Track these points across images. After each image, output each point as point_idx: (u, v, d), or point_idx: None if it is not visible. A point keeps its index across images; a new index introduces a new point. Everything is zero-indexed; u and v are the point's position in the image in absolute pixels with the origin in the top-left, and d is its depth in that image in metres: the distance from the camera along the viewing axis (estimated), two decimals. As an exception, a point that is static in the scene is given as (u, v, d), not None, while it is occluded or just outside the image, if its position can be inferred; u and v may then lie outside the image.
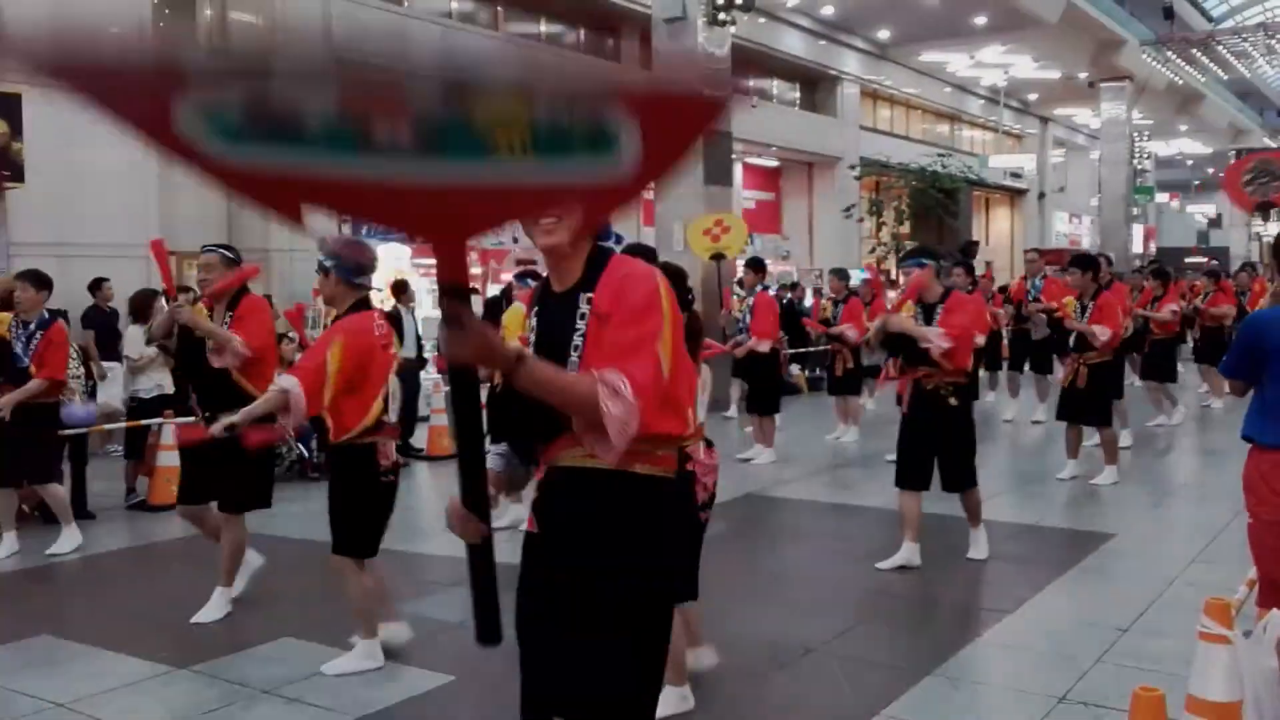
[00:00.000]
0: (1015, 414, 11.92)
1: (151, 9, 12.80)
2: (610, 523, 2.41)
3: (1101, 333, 8.06)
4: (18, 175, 10.85)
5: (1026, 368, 12.36)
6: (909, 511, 6.16)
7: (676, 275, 4.28)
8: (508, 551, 2.46)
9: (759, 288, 10.23)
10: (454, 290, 2.01)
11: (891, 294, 13.87)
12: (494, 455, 2.56)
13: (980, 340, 8.21)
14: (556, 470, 2.48)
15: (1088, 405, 8.32)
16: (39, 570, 6.61)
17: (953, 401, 6.00)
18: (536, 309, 2.59)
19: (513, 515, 6.81)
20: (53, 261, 11.05)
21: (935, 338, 5.85)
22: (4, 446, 6.82)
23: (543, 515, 2.51)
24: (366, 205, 1.89)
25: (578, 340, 2.39)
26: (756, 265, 10.50)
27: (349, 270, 4.57)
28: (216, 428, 4.90)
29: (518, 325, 2.89)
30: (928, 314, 6.05)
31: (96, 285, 10.83)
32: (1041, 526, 7.31)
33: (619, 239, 2.69)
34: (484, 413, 2.35)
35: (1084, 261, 8.58)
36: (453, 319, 2.00)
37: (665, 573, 2.48)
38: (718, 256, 12.49)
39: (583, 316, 2.40)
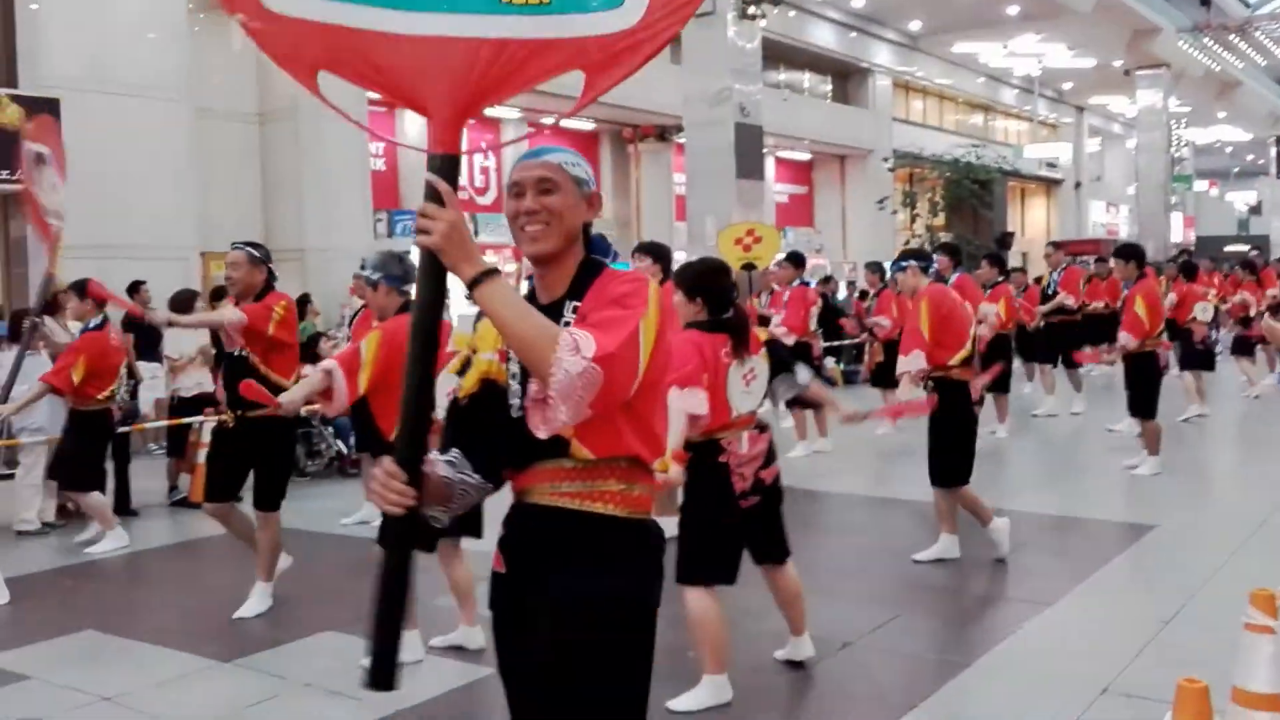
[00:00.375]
0: (1049, 408, 11.72)
1: (186, 15, 12.92)
2: (589, 569, 2.16)
3: (1129, 341, 8.06)
4: (58, 179, 10.98)
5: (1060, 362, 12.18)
6: (944, 504, 6.12)
7: (718, 271, 4.28)
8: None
9: (797, 282, 10.18)
10: (444, 163, 1.90)
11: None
12: (440, 462, 2.20)
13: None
14: (526, 506, 2.23)
15: (1131, 397, 8.33)
16: (83, 567, 6.70)
17: (934, 396, 5.98)
18: None
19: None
20: (92, 264, 11.21)
21: (906, 365, 6.00)
22: (59, 449, 7.13)
23: (510, 553, 2.27)
24: (377, 64, 1.87)
25: None
26: (796, 260, 10.45)
27: (396, 279, 4.80)
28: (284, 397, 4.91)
29: (495, 338, 2.53)
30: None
31: (134, 288, 10.94)
32: (1082, 518, 7.24)
33: (614, 255, 2.56)
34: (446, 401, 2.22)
35: (1127, 251, 8.53)
36: (433, 192, 1.89)
37: (644, 622, 2.23)
38: (749, 267, 12.39)
39: (566, 325, 2.13)
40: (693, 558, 4.12)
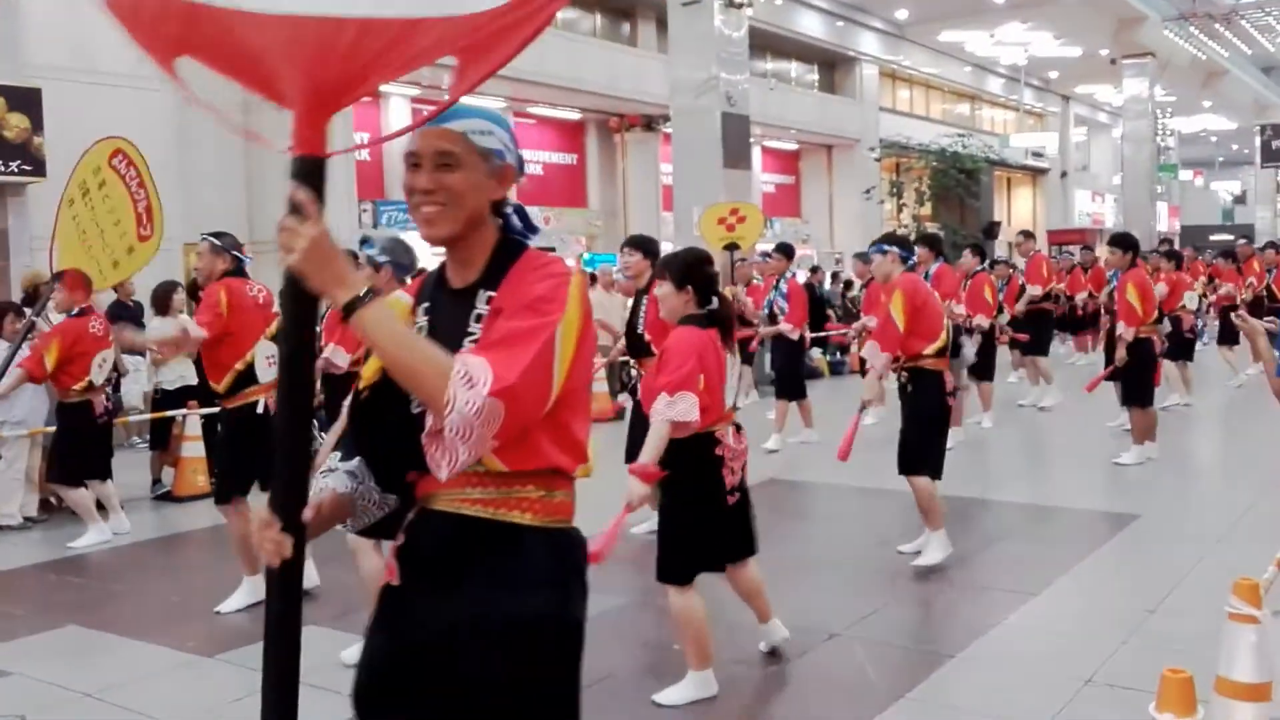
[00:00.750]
0: (1033, 399, 11.72)
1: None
2: (502, 587, 1.89)
3: (1126, 332, 8.05)
4: (39, 169, 10.90)
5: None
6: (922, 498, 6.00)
7: (699, 261, 4.24)
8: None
9: (788, 274, 10.11)
10: (307, 168, 1.66)
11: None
12: (341, 473, 2.02)
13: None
14: (431, 513, 1.96)
15: (1125, 384, 8.33)
16: (65, 562, 6.66)
17: (908, 387, 5.91)
18: (426, 305, 2.06)
19: None
20: (75, 255, 11.14)
21: (874, 359, 5.85)
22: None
23: (408, 566, 1.98)
24: (236, 48, 1.69)
25: (471, 347, 1.88)
26: (786, 251, 10.34)
27: (404, 269, 4.75)
28: None
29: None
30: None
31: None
32: (1066, 508, 7.26)
33: (534, 230, 2.11)
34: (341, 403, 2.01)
35: (1123, 240, 8.51)
36: (295, 205, 1.64)
37: (569, 647, 1.96)
38: (732, 246, 12.20)
39: (479, 319, 1.91)
40: (679, 554, 4.08)
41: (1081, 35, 30.70)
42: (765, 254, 10.59)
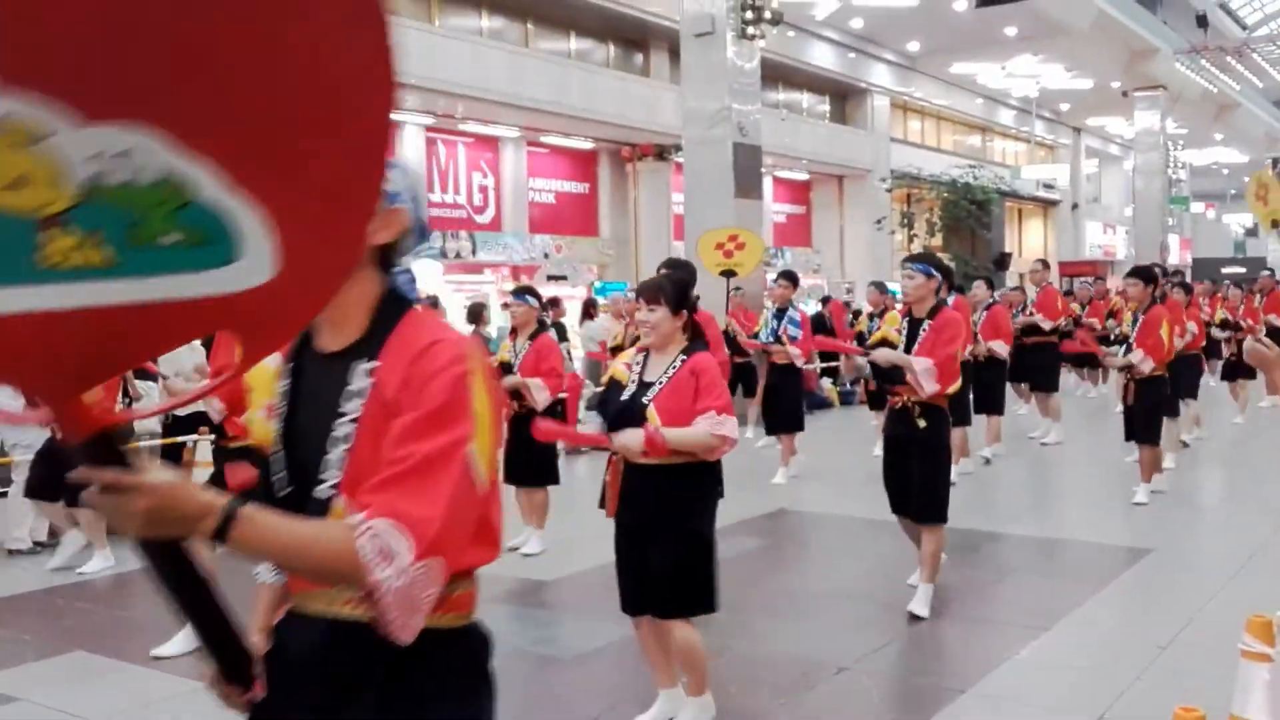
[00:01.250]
0: (1041, 432, 11.49)
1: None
2: (394, 704, 1.66)
3: (1143, 363, 7.71)
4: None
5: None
6: (936, 546, 5.64)
7: (690, 284, 4.17)
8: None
9: (795, 303, 10.06)
10: (94, 448, 1.39)
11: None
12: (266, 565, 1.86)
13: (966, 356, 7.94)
14: (302, 616, 1.73)
15: (1135, 420, 8.01)
16: (73, 586, 6.66)
17: (921, 423, 5.40)
18: (291, 366, 1.78)
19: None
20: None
21: (924, 377, 5.29)
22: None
23: (277, 679, 1.71)
24: None
25: (347, 428, 1.64)
26: (791, 278, 10.22)
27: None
28: None
29: (265, 389, 1.95)
30: (914, 330, 5.50)
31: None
32: (1078, 541, 7.21)
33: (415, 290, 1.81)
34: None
35: (1144, 274, 8.22)
36: (107, 487, 1.38)
37: None
38: (729, 273, 12.05)
39: (359, 394, 1.64)
40: (702, 589, 3.88)
41: (1093, 68, 30.81)
42: (776, 281, 10.50)
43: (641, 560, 3.90)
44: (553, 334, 8.41)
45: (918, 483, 5.44)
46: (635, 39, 22.67)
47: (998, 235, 29.90)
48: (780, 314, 9.85)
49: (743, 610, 5.49)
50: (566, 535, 7.06)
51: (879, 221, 25.94)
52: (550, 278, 20.26)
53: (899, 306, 6.56)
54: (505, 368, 6.78)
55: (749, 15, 14.45)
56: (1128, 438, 8.20)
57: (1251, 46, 31.11)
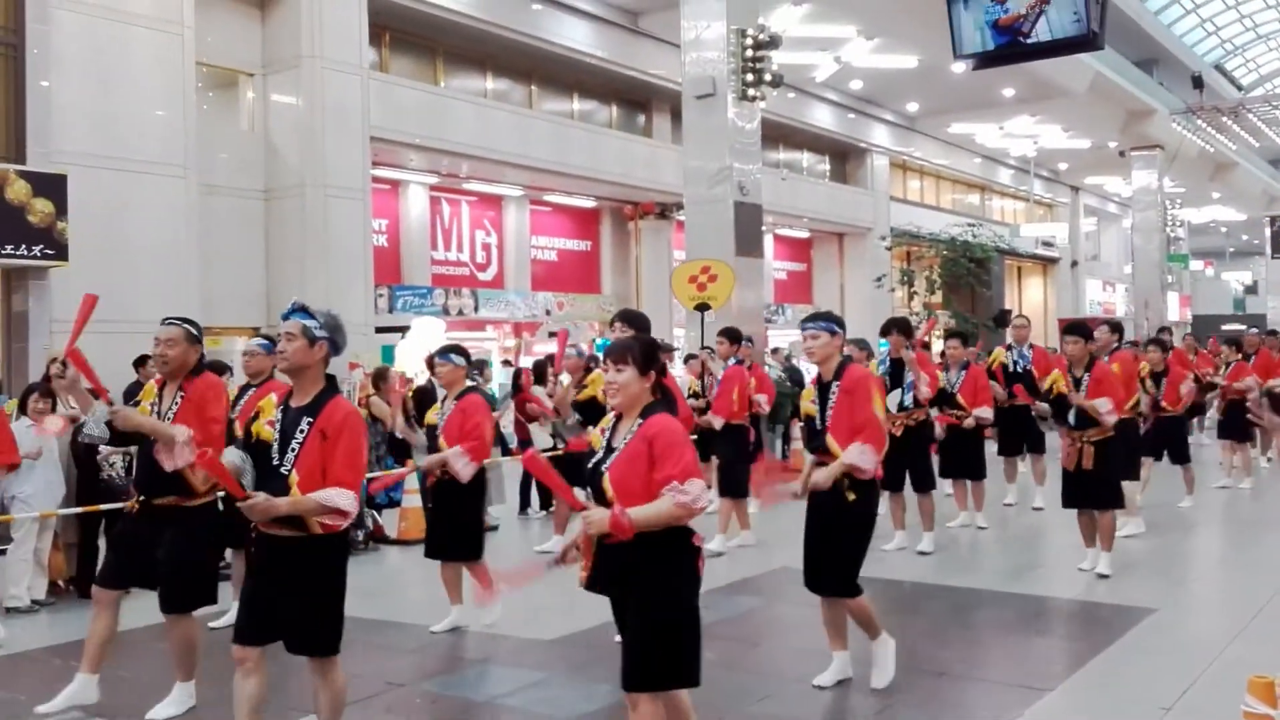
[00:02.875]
0: (1015, 498, 11.07)
1: (195, 93, 13.15)
2: None
3: (1104, 406, 7.33)
4: (62, 254, 11.10)
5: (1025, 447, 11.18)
6: (846, 615, 5.38)
7: (658, 346, 3.92)
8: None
9: (732, 361, 9.37)
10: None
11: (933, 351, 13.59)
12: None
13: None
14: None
15: (1094, 487, 7.50)
16: (72, 645, 6.58)
17: (850, 496, 5.14)
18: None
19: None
20: (95, 338, 11.24)
21: (861, 460, 5.05)
22: None
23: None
24: None
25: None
26: (732, 336, 9.40)
27: (337, 347, 4.24)
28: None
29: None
30: (824, 395, 5.26)
31: (141, 362, 11.00)
32: (1082, 600, 7.17)
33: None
34: None
35: (1080, 329, 7.76)
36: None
37: None
38: (702, 307, 11.84)
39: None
40: (689, 651, 3.64)
41: (1090, 128, 31.15)
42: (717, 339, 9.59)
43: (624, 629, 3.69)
44: (488, 393, 8.23)
45: (833, 557, 5.22)
46: (638, 100, 22.97)
47: (998, 292, 30.01)
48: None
49: (742, 670, 5.45)
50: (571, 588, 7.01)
51: (879, 279, 26.04)
52: (551, 334, 20.34)
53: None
54: (430, 431, 6.53)
55: (750, 78, 14.68)
56: (1067, 504, 7.74)
57: (1247, 107, 31.44)
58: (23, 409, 7.63)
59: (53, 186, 11.08)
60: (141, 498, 5.11)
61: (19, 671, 6.04)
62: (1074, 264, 39.14)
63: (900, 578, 7.82)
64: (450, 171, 19.09)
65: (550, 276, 22.42)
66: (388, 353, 15.08)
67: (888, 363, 9.02)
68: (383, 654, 6.15)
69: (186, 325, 5.13)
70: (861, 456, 5.04)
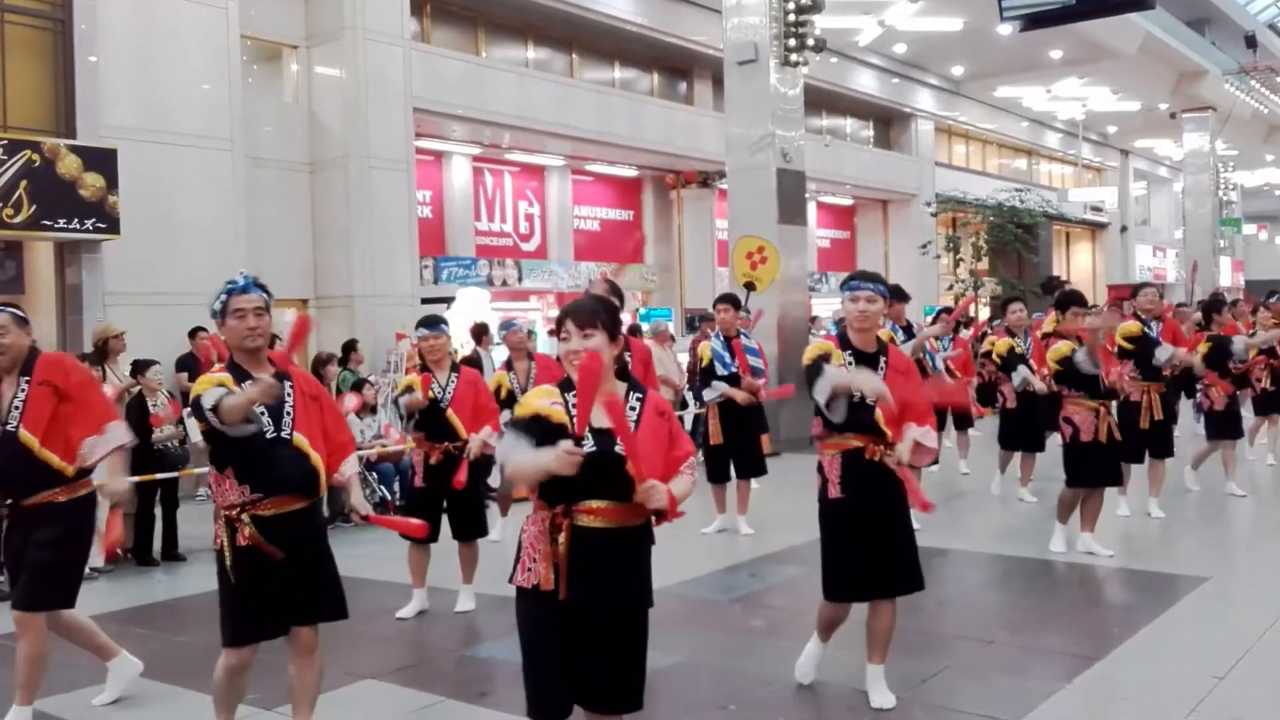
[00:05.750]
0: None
1: (240, 66, 13.24)
2: None
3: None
4: (114, 228, 11.24)
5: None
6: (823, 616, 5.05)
7: (614, 303, 3.64)
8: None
9: (738, 333, 8.66)
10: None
11: (964, 332, 13.48)
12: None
13: None
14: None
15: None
16: (130, 612, 6.77)
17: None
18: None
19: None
20: (146, 310, 11.45)
21: (929, 441, 4.61)
22: None
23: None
24: None
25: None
26: (734, 303, 8.78)
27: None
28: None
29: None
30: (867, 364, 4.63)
31: (194, 333, 11.18)
32: (1134, 569, 7.11)
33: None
34: None
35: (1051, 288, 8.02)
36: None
37: None
38: (749, 285, 12.31)
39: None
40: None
41: (1140, 90, 30.55)
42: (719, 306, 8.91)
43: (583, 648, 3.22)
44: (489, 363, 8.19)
45: (901, 552, 4.81)
46: (679, 67, 22.80)
47: (1045, 259, 29.64)
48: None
49: (785, 636, 5.46)
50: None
51: (924, 246, 25.79)
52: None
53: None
54: (434, 404, 6.37)
55: (792, 43, 14.52)
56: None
57: (1302, 66, 30.72)
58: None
59: (103, 161, 11.21)
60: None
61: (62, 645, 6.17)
62: (1123, 229, 38.52)
63: (953, 547, 7.79)
64: (492, 142, 19.08)
65: (593, 246, 22.40)
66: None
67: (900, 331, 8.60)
68: (416, 622, 6.22)
69: (12, 310, 4.65)
70: (927, 436, 4.60)
